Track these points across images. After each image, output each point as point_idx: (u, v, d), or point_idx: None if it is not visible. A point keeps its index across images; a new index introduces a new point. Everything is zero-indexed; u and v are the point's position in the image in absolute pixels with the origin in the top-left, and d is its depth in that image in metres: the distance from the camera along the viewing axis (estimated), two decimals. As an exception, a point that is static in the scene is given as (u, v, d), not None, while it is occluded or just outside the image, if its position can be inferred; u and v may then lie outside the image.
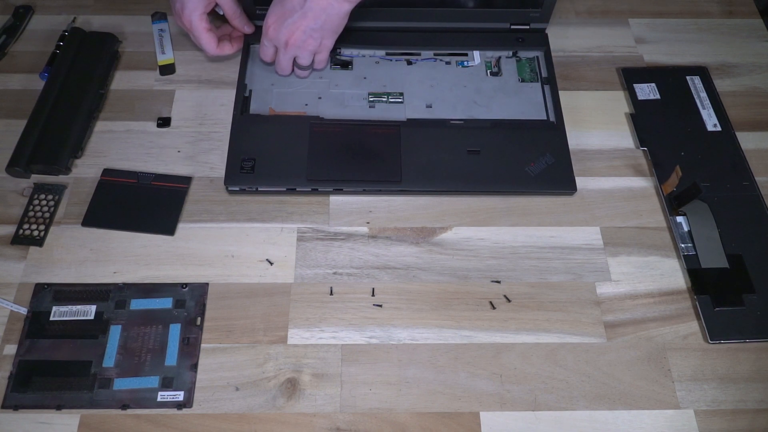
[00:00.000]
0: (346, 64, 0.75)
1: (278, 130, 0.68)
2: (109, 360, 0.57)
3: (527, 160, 0.67)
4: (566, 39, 0.81)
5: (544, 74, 0.74)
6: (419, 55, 0.75)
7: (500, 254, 0.64)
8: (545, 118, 0.71)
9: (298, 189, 0.65)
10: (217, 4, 0.71)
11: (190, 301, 0.60)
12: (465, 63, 0.75)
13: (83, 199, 0.66)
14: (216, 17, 0.75)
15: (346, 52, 0.75)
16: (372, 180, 0.66)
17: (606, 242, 0.65)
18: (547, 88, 0.73)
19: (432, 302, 0.61)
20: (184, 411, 0.55)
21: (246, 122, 0.68)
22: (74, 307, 0.60)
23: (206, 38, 0.70)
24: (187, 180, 0.68)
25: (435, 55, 0.76)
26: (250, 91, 0.72)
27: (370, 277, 0.63)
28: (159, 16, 0.82)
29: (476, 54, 0.75)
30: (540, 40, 0.76)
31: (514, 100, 0.72)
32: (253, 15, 0.74)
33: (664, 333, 0.60)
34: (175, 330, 0.59)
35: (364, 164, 0.66)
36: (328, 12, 0.64)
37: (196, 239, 0.64)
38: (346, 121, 0.69)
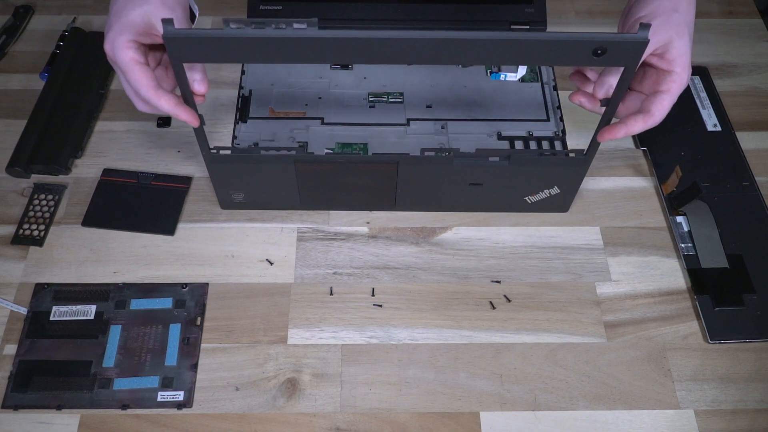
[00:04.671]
0: (346, 65, 0.75)
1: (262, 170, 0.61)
2: (109, 360, 0.57)
3: (531, 191, 0.64)
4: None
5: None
6: None
7: (500, 254, 0.64)
8: (575, 150, 0.59)
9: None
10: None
11: (190, 301, 0.60)
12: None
13: (83, 199, 0.66)
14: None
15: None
16: (367, 204, 0.67)
17: (606, 242, 0.65)
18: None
19: (432, 302, 0.61)
20: (184, 411, 0.55)
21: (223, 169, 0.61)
22: (74, 307, 0.59)
23: (138, 74, 0.48)
24: (187, 180, 0.68)
25: None
26: (250, 91, 0.71)
27: (370, 277, 0.63)
28: (159, 16, 0.82)
29: None
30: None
31: (514, 100, 0.72)
32: (255, 10, 0.73)
33: (664, 333, 0.60)
34: (175, 330, 0.59)
35: (358, 196, 0.65)
36: None
37: (196, 239, 0.64)
38: (335, 157, 0.62)
